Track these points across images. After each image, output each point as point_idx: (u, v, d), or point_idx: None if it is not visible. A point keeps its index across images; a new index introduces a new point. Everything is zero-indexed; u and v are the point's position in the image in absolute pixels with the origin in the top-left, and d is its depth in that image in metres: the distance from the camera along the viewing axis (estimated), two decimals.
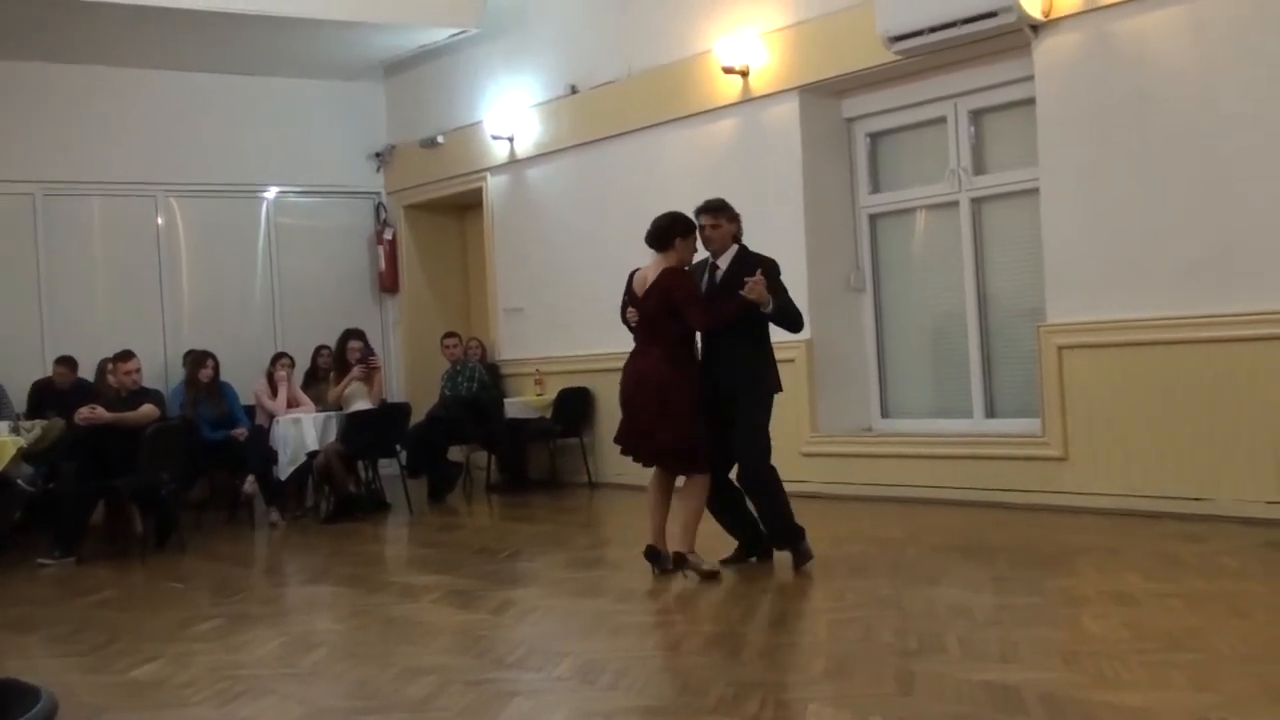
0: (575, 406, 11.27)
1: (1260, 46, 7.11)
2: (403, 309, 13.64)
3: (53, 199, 11.91)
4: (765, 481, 6.45)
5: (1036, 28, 8.02)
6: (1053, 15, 7.94)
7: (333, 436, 10.21)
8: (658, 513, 6.55)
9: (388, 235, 13.54)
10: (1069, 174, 8.00)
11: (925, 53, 8.50)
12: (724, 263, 6.53)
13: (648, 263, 6.55)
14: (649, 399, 6.37)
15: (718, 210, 6.53)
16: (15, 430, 8.85)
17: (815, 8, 9.34)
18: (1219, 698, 3.89)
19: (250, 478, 10.03)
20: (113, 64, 11.95)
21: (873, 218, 9.74)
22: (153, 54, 11.81)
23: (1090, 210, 7.87)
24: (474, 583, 6.88)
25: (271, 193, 13.12)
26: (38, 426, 9.13)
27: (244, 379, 10.78)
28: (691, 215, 6.54)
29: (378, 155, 13.63)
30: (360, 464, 10.59)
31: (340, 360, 10.88)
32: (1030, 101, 8.27)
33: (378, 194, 13.67)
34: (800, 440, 9.22)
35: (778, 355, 6.67)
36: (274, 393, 10.53)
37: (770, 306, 6.32)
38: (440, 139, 12.86)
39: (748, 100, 9.84)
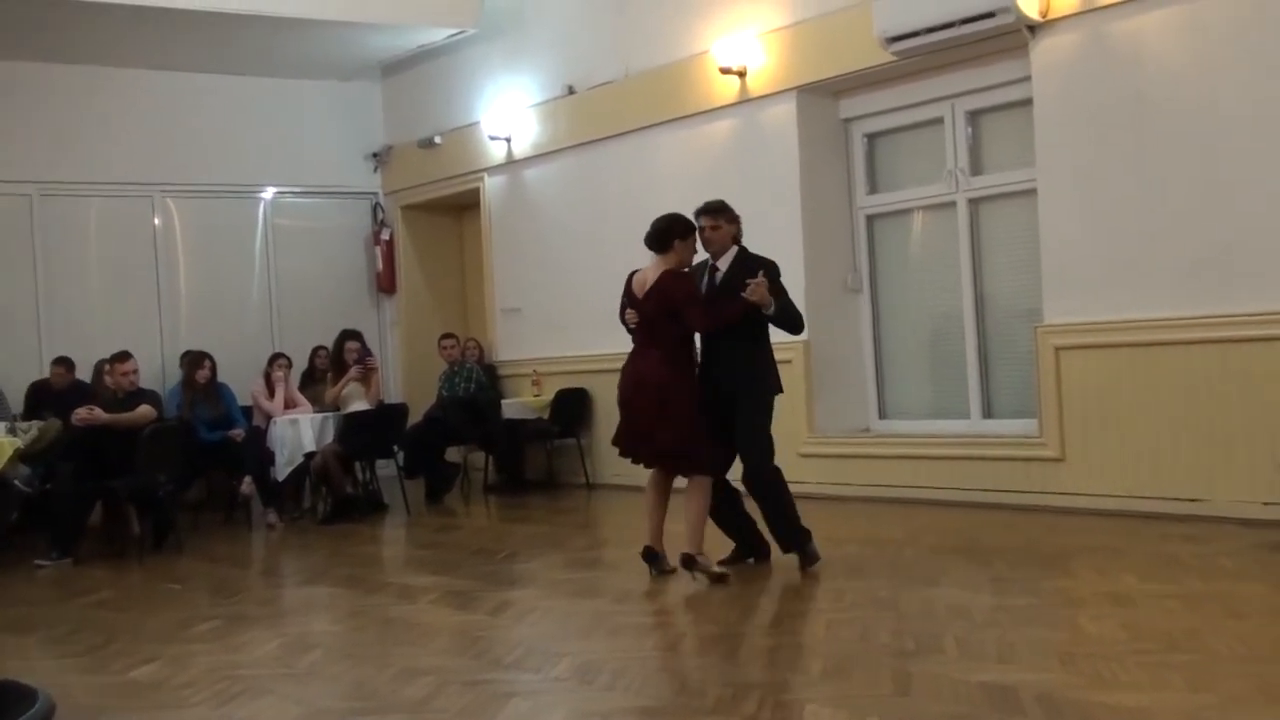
0: (573, 407, 11.27)
1: (1258, 47, 7.11)
2: (400, 309, 13.63)
3: (50, 199, 11.90)
4: (769, 483, 6.43)
5: (1034, 28, 8.03)
6: (1050, 16, 7.95)
7: (330, 437, 10.20)
8: (656, 513, 6.55)
9: (385, 236, 13.53)
10: (1066, 175, 8.00)
11: (923, 53, 8.51)
12: (724, 264, 6.52)
13: (646, 264, 6.54)
14: (648, 401, 6.37)
15: (717, 212, 6.52)
16: (12, 431, 8.84)
17: (812, 8, 9.34)
18: (1216, 698, 3.89)
19: (247, 479, 10.02)
20: (110, 64, 11.95)
21: (870, 218, 9.75)
22: (150, 54, 11.81)
23: (1088, 211, 7.88)
24: (471, 583, 6.88)
25: (269, 193, 13.11)
26: (35, 427, 9.12)
27: (241, 380, 10.76)
28: (691, 217, 6.53)
29: (375, 156, 13.62)
30: (358, 465, 10.59)
31: (337, 361, 10.89)
32: (1028, 102, 8.28)
33: (375, 194, 13.67)
34: (798, 441, 9.21)
35: (775, 356, 6.67)
36: (271, 393, 10.52)
37: (773, 308, 6.32)
38: (438, 139, 12.86)
39: (745, 101, 9.84)
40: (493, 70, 12.28)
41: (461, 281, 13.83)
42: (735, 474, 6.59)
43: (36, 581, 7.96)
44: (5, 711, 2.68)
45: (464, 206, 13.32)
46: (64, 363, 10.74)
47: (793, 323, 6.49)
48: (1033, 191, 8.30)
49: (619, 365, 6.68)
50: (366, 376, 10.78)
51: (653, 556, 6.54)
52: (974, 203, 8.99)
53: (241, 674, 5.03)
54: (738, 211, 6.62)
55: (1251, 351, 7.10)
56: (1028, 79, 8.23)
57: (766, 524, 6.56)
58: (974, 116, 8.99)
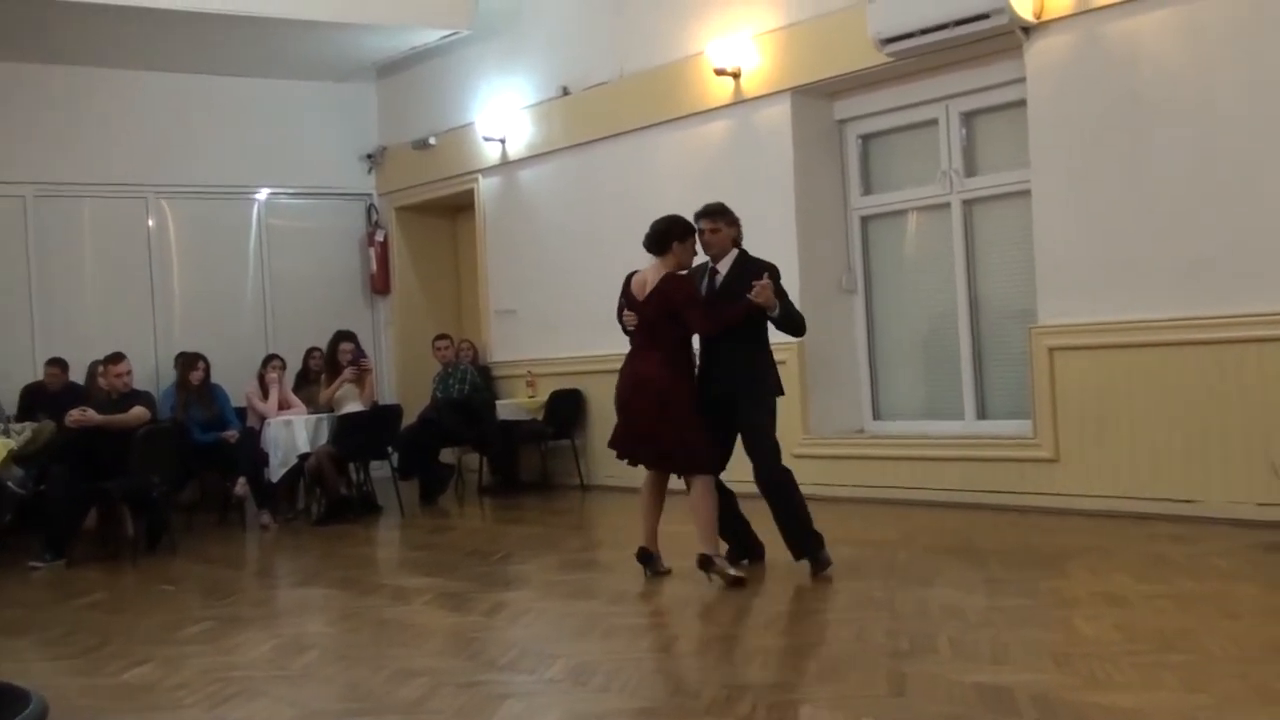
0: (567, 408, 11.27)
1: (1253, 48, 7.12)
2: (394, 311, 13.62)
3: (44, 200, 11.88)
4: (780, 484, 6.38)
5: (1028, 30, 8.03)
6: (1044, 17, 7.95)
7: (324, 438, 10.19)
8: (650, 515, 6.55)
9: (379, 237, 13.53)
10: (1060, 176, 8.01)
11: (917, 55, 8.51)
12: (724, 268, 6.51)
13: (643, 265, 6.54)
14: (648, 403, 6.36)
15: (717, 214, 6.51)
16: (5, 433, 8.84)
17: (807, 10, 9.35)
18: (1210, 699, 3.90)
19: (241, 480, 10.02)
20: (104, 65, 11.93)
21: (864, 219, 9.75)
22: (144, 55, 11.79)
23: (1082, 212, 7.88)
24: (466, 585, 6.88)
25: (263, 194, 13.10)
26: (28, 429, 9.11)
27: (235, 381, 10.75)
28: (690, 218, 6.52)
29: (369, 157, 13.62)
30: (352, 466, 10.58)
31: (331, 362, 10.88)
32: (1022, 103, 8.29)
33: (369, 195, 13.66)
34: (792, 442, 9.19)
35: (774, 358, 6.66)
36: (265, 395, 10.52)
37: (777, 310, 6.31)
38: (432, 140, 12.85)
39: (739, 102, 9.85)
40: (487, 71, 12.28)
41: (456, 283, 13.82)
42: (729, 475, 6.58)
43: (30, 583, 7.94)
44: None
45: (458, 208, 13.31)
46: (58, 363, 10.72)
47: (796, 325, 6.49)
48: (1027, 193, 8.31)
49: (614, 366, 6.67)
50: (361, 378, 10.77)
51: (647, 558, 6.54)
52: (968, 204, 9.00)
53: (235, 676, 5.02)
54: (733, 213, 6.62)
55: (1246, 353, 7.11)
56: (1022, 80, 8.24)
57: (778, 527, 6.46)
58: (968, 118, 9.00)
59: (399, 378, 13.39)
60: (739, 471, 6.61)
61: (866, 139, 9.73)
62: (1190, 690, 3.99)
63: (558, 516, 10.00)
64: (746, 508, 6.73)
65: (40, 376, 10.94)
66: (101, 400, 9.06)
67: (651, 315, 6.38)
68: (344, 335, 11.01)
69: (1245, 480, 7.11)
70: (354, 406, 10.55)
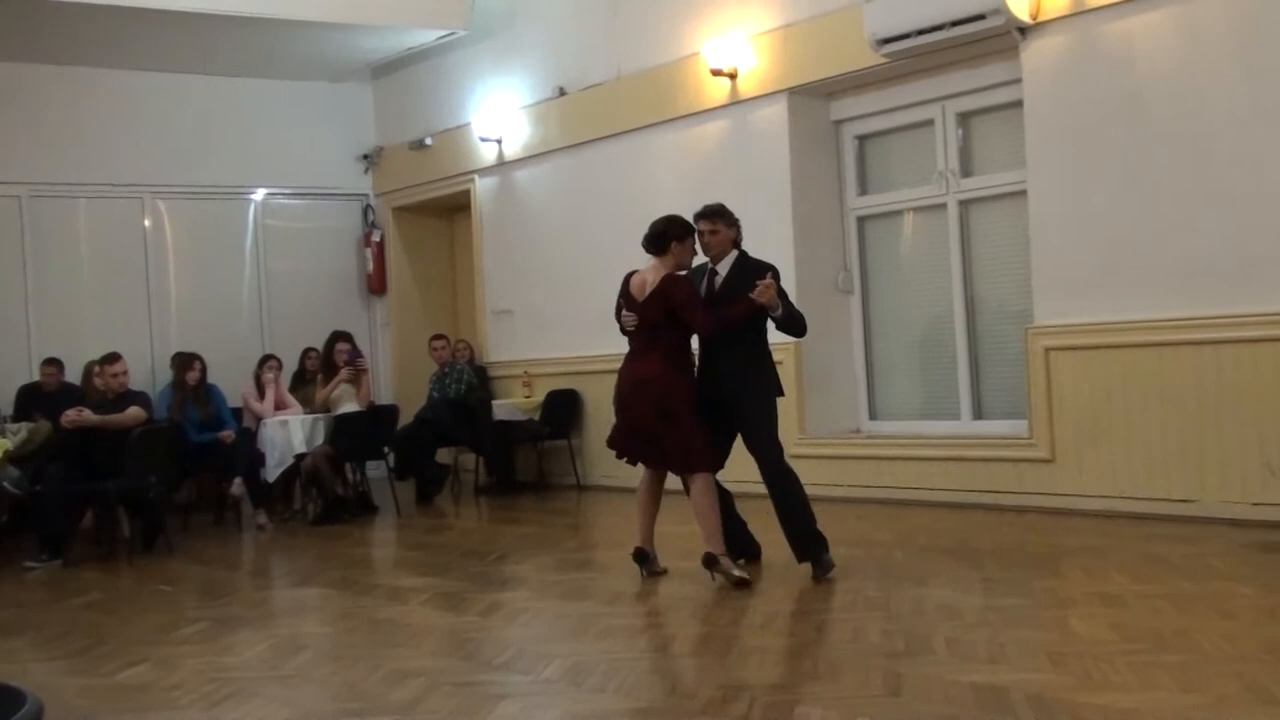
0: (563, 408, 11.27)
1: (1248, 48, 7.13)
2: (391, 311, 13.62)
3: (39, 200, 11.86)
4: (786, 482, 6.36)
5: (1024, 30, 8.04)
6: (1040, 18, 7.96)
7: (320, 439, 10.19)
8: (647, 515, 6.55)
9: (376, 237, 13.52)
10: (1057, 176, 8.01)
11: (913, 55, 8.52)
12: (723, 269, 6.50)
13: (641, 265, 6.54)
14: (649, 403, 6.35)
15: (716, 215, 6.50)
16: (1, 433, 8.84)
17: (804, 10, 9.35)
18: (1206, 699, 3.90)
19: (237, 480, 10.01)
20: (99, 65, 11.91)
21: (861, 220, 9.76)
22: (140, 55, 11.78)
23: (1078, 213, 7.89)
24: (462, 585, 6.87)
25: (259, 194, 13.09)
26: (24, 429, 9.11)
27: (231, 381, 10.73)
28: (689, 219, 6.52)
29: (366, 157, 13.61)
30: (348, 466, 10.58)
31: (328, 362, 10.87)
32: (1018, 104, 8.30)
33: (366, 196, 13.66)
34: (789, 442, 9.10)
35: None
36: (261, 395, 10.51)
37: (780, 310, 6.31)
38: (428, 141, 12.85)
39: (736, 102, 9.85)
40: (483, 72, 12.28)
41: (452, 283, 13.82)
42: (728, 475, 6.58)
43: (26, 583, 7.93)
44: None
45: (455, 208, 13.31)
46: (54, 363, 10.72)
47: (798, 325, 6.48)
48: (1023, 193, 8.32)
49: (609, 366, 6.67)
50: (357, 378, 10.76)
51: (643, 557, 6.54)
52: (965, 204, 9.00)
53: (231, 676, 5.02)
54: (732, 214, 6.61)
55: (1241, 353, 7.12)
56: (1018, 81, 8.24)
57: (782, 527, 6.43)
58: (965, 118, 9.01)
59: (395, 378, 13.39)
60: (737, 472, 6.61)
61: (863, 139, 9.74)
62: (1186, 690, 3.99)
63: (554, 517, 9.99)
64: (744, 508, 6.74)
65: (36, 376, 10.94)
66: (97, 400, 9.06)
67: (651, 316, 6.37)
68: (340, 335, 11.00)
69: (1241, 480, 7.12)
70: (350, 407, 10.55)
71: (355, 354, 10.93)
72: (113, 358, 9.03)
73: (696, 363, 6.54)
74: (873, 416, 9.72)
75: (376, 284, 13.55)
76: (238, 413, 10.49)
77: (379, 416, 10.66)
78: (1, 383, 10.85)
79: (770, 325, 6.47)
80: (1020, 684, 4.15)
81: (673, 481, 6.54)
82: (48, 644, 5.95)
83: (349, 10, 11.27)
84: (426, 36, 12.16)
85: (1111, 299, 7.72)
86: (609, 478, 10.39)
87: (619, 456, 6.64)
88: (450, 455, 11.80)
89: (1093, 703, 3.91)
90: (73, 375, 10.76)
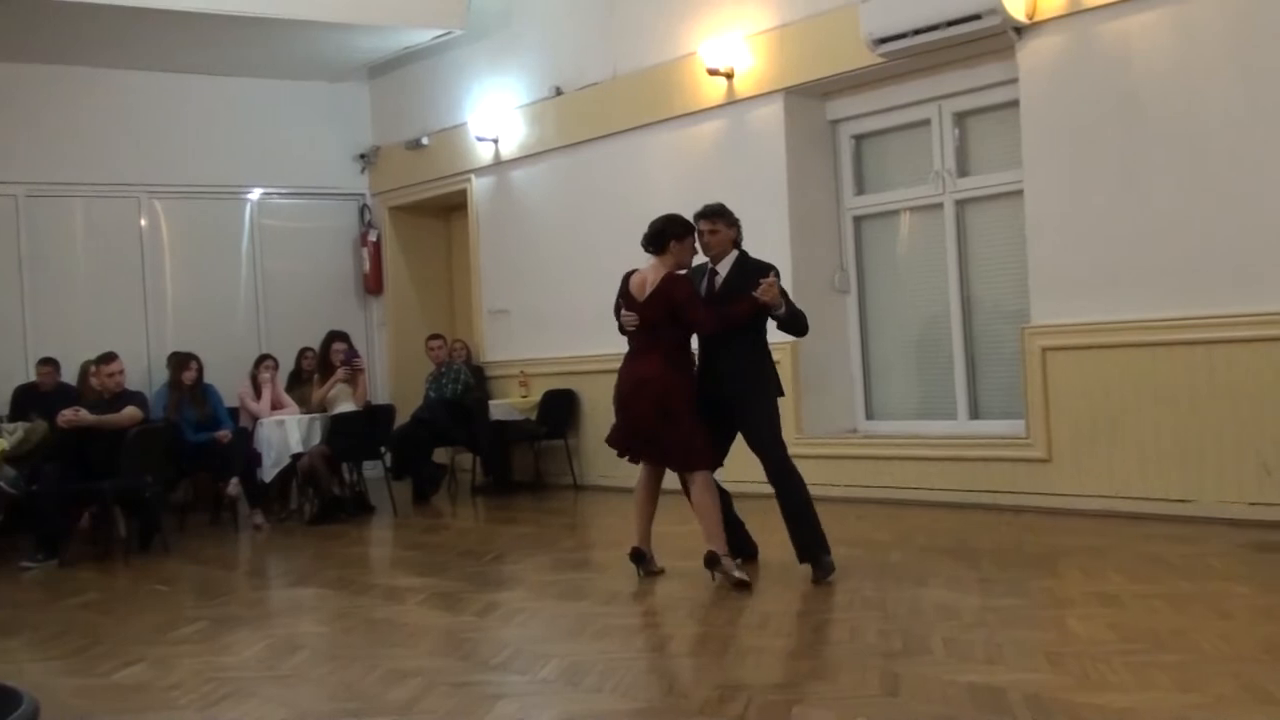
0: (560, 408, 11.26)
1: (1245, 48, 7.13)
2: (387, 311, 13.61)
3: (35, 200, 11.86)
4: (791, 481, 6.35)
5: (1021, 30, 8.04)
6: (1037, 17, 7.97)
7: (317, 439, 10.18)
8: (644, 515, 6.54)
9: (372, 237, 13.52)
10: (1053, 176, 8.02)
11: (910, 55, 8.52)
12: (724, 268, 6.49)
13: (639, 265, 6.53)
14: (649, 403, 6.35)
15: (716, 215, 6.49)
16: None
17: (800, 10, 9.35)
18: (1203, 698, 3.91)
19: (234, 480, 10.00)
20: (95, 65, 11.90)
21: (857, 220, 9.76)
22: (136, 55, 11.77)
23: (1075, 212, 7.89)
24: (459, 585, 6.87)
25: (256, 194, 13.08)
26: (20, 429, 9.09)
27: (228, 381, 10.73)
28: (688, 218, 6.51)
29: (362, 157, 13.60)
30: (345, 466, 10.57)
31: (324, 362, 10.86)
32: (1014, 104, 8.30)
33: (362, 195, 13.65)
34: (786, 442, 9.19)
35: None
36: (258, 395, 10.51)
37: (783, 309, 6.31)
38: (425, 140, 12.85)
39: (732, 102, 9.85)
40: (480, 71, 12.27)
41: (449, 282, 13.82)
42: (726, 475, 6.58)
43: (22, 583, 7.92)
44: None
45: (451, 207, 13.31)
46: (50, 363, 10.71)
47: (799, 325, 6.48)
48: (1020, 193, 8.32)
49: (606, 366, 6.67)
50: (354, 377, 10.76)
51: (640, 557, 6.54)
52: (961, 204, 9.01)
53: (228, 676, 5.02)
54: (732, 214, 6.60)
55: (1238, 352, 7.12)
56: (1015, 81, 8.25)
57: (786, 526, 6.41)
58: (961, 118, 9.02)
59: (392, 377, 13.39)
60: (737, 472, 6.61)
61: (859, 139, 9.74)
62: (1183, 690, 3.99)
63: (551, 516, 9.99)
64: (744, 509, 6.73)
65: (32, 376, 10.93)
66: (94, 400, 9.04)
67: (652, 315, 6.37)
68: (337, 335, 10.99)
69: (1238, 480, 7.13)
70: (347, 406, 10.54)
71: (352, 354, 10.92)
72: (109, 357, 9.02)
73: (696, 362, 6.54)
74: (869, 416, 9.72)
75: (373, 284, 13.54)
76: (234, 412, 10.48)
77: (375, 416, 10.65)
78: None
79: (770, 325, 6.47)
80: (1018, 684, 4.15)
81: (670, 482, 6.54)
82: (44, 644, 5.94)
83: (345, 10, 11.26)
84: (423, 36, 12.16)
85: (1108, 299, 7.72)
86: (606, 477, 10.39)
87: (619, 454, 6.64)
88: (447, 455, 11.79)
89: (1090, 703, 3.92)
90: (69, 375, 10.75)
